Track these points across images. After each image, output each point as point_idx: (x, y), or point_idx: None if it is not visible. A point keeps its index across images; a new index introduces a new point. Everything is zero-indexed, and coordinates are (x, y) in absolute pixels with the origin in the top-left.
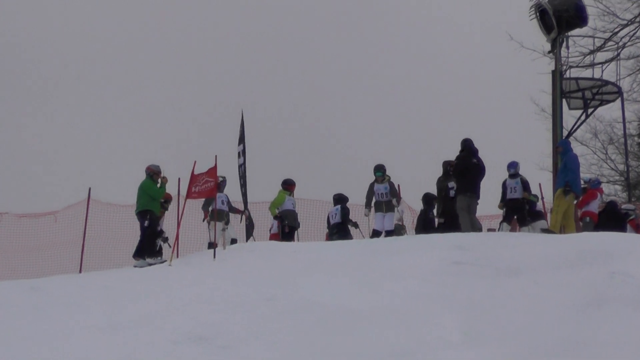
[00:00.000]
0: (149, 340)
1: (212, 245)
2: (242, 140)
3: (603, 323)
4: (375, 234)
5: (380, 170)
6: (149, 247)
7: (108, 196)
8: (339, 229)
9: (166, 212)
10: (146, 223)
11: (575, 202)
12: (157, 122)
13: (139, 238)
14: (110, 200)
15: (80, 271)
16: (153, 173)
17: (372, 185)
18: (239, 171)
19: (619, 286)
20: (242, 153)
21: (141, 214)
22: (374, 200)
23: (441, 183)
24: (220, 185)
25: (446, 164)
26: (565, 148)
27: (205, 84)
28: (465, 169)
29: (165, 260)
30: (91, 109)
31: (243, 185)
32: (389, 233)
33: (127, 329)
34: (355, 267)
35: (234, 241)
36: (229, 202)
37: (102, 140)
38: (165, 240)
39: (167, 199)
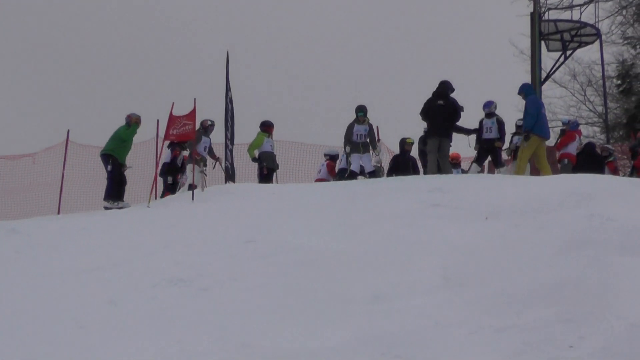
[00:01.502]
0: (127, 283)
1: (191, 187)
2: (229, 83)
3: (584, 265)
4: (352, 175)
5: (362, 110)
6: (115, 190)
7: (86, 138)
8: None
9: (183, 150)
10: (109, 167)
11: (550, 143)
12: (137, 64)
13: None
14: (89, 142)
15: (58, 213)
16: (132, 121)
17: (351, 125)
18: (227, 120)
19: (599, 228)
20: (231, 101)
21: (104, 156)
22: (351, 140)
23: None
24: (208, 129)
25: None
26: (526, 92)
27: (189, 27)
28: (428, 111)
29: (126, 206)
30: (69, 50)
31: (230, 133)
32: (371, 174)
33: (105, 272)
34: (335, 209)
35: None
36: (210, 149)
37: (81, 82)
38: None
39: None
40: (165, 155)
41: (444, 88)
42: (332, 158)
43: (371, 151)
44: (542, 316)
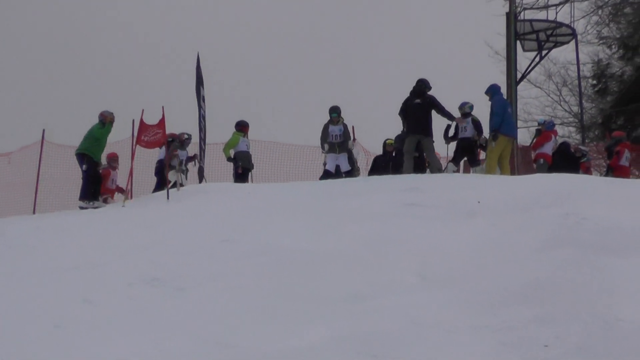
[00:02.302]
0: (103, 282)
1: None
2: (201, 83)
3: (560, 265)
4: (327, 174)
5: (335, 111)
6: (90, 190)
7: (62, 138)
8: None
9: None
10: (84, 167)
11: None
12: (112, 63)
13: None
14: (64, 142)
15: (34, 212)
16: (105, 119)
17: (326, 126)
18: (200, 120)
19: (574, 228)
20: (204, 100)
21: (79, 156)
22: (327, 140)
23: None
24: (184, 142)
25: None
26: (492, 92)
27: (163, 26)
28: (406, 109)
29: (102, 206)
30: (44, 49)
31: (203, 133)
32: (348, 174)
33: (81, 271)
34: (312, 209)
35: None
36: (186, 161)
37: (56, 82)
38: (194, 157)
39: (176, 138)
40: (161, 152)
41: (421, 86)
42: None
43: (349, 143)
44: (518, 315)
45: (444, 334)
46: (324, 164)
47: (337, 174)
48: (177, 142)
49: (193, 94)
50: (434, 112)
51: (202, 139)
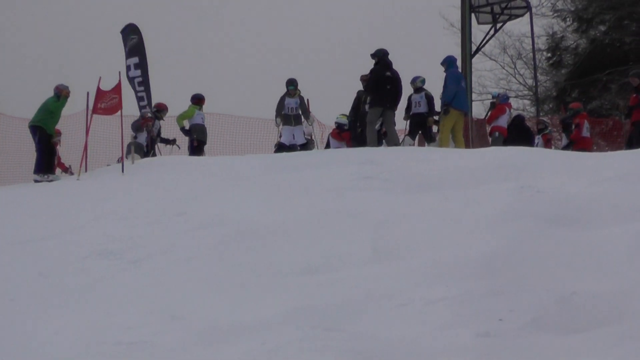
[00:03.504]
0: (58, 255)
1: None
2: (136, 53)
3: (514, 238)
4: (282, 147)
5: (292, 84)
6: (44, 163)
7: (15, 110)
8: None
9: (161, 121)
10: (37, 139)
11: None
12: (67, 33)
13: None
14: (18, 114)
15: None
16: (60, 92)
17: (282, 98)
18: (133, 84)
19: (529, 200)
20: (137, 66)
21: (32, 128)
22: (282, 113)
23: (358, 97)
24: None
25: (362, 79)
26: (448, 65)
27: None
28: (378, 81)
29: (56, 179)
30: None
31: (142, 99)
32: (303, 147)
33: (35, 244)
34: (266, 181)
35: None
36: (159, 131)
37: (8, 53)
38: (174, 142)
39: (161, 109)
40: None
41: (388, 58)
42: (339, 127)
43: (303, 123)
44: (472, 289)
45: (398, 307)
46: (279, 136)
47: (291, 147)
48: (156, 111)
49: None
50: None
51: (141, 99)
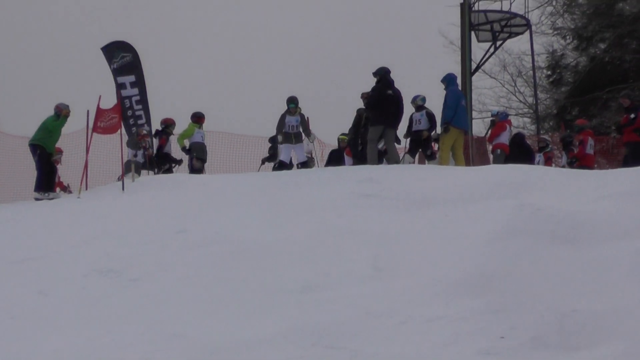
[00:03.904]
0: (58, 273)
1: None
2: (131, 71)
3: (514, 255)
4: (281, 165)
5: (293, 102)
6: (45, 181)
7: (16, 128)
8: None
9: (170, 136)
10: (36, 158)
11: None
12: (68, 53)
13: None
14: (18, 132)
15: None
16: (60, 111)
17: (283, 116)
18: (127, 103)
19: (529, 218)
20: (134, 84)
21: (32, 147)
22: (283, 130)
23: (359, 115)
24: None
25: (363, 96)
26: (448, 82)
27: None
28: (379, 100)
29: (57, 197)
30: None
31: (140, 117)
32: (303, 165)
33: (36, 262)
34: (266, 200)
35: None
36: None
37: (10, 72)
38: (180, 162)
39: (169, 124)
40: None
41: (390, 77)
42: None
43: (304, 140)
44: (473, 306)
45: (398, 325)
46: (268, 154)
47: (290, 164)
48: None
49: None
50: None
51: (137, 117)
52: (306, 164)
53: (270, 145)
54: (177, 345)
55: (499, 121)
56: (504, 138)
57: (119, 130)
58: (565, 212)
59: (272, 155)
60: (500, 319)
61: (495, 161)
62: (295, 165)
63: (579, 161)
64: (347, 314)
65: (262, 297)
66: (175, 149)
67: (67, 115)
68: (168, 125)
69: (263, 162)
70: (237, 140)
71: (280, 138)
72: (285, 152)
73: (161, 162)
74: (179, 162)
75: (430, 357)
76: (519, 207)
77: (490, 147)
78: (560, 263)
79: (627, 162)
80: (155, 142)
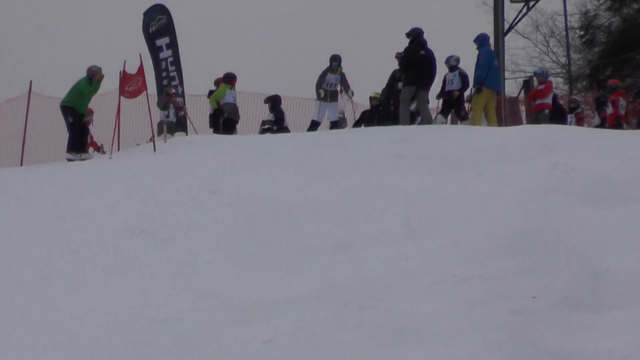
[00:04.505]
0: (91, 233)
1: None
2: (166, 33)
3: (547, 215)
4: (314, 124)
5: (336, 60)
6: (77, 142)
7: (49, 90)
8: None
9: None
10: (69, 119)
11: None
12: (99, 13)
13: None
14: (52, 94)
15: (21, 164)
16: (93, 74)
17: (324, 73)
18: (162, 65)
19: (562, 178)
20: (169, 46)
21: (63, 109)
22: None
23: (393, 75)
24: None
25: (397, 56)
26: (480, 43)
27: None
28: (412, 61)
29: (89, 157)
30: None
31: (172, 78)
32: (334, 124)
33: (68, 223)
34: (298, 160)
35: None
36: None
37: (44, 33)
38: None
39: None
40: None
41: (422, 37)
42: None
43: (339, 99)
44: (506, 266)
45: (431, 284)
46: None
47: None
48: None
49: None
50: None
51: (171, 78)
52: (337, 123)
53: (269, 105)
54: (210, 304)
55: (544, 80)
56: (550, 98)
57: (144, 92)
58: (599, 172)
59: (277, 120)
60: (533, 278)
61: (542, 121)
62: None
63: (610, 121)
64: (380, 273)
65: (294, 256)
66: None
67: (100, 80)
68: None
69: (263, 124)
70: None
71: (322, 93)
72: (320, 110)
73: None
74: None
75: (462, 316)
76: (552, 167)
77: (533, 106)
78: (593, 223)
79: None
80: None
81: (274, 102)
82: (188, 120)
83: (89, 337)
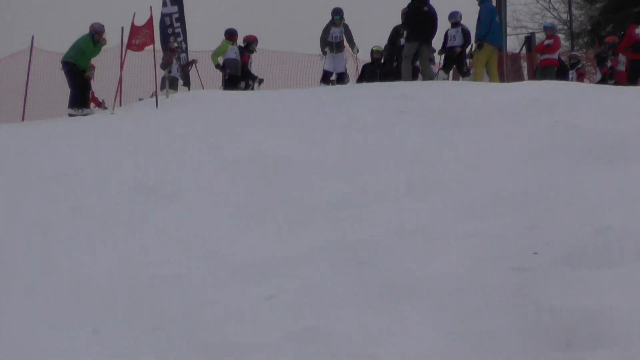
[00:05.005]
0: (92, 190)
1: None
2: None
3: (549, 172)
4: (326, 75)
5: (339, 14)
6: (79, 97)
7: (51, 45)
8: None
9: (252, 54)
10: (68, 74)
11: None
12: None
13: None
14: (54, 49)
15: (22, 119)
16: (95, 32)
17: (328, 27)
18: (167, 21)
19: (564, 135)
20: (174, 2)
21: (64, 64)
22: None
23: (395, 31)
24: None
25: (403, 12)
26: None
27: None
28: (415, 16)
29: (90, 113)
30: None
31: (178, 34)
32: (339, 76)
33: (70, 178)
34: (300, 117)
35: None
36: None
37: None
38: (260, 81)
39: (250, 41)
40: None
41: None
42: None
43: (343, 52)
44: (507, 223)
45: (432, 242)
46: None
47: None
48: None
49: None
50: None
51: (176, 35)
52: (343, 75)
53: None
54: (212, 261)
55: (553, 35)
56: (557, 54)
57: (151, 45)
58: (601, 129)
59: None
60: (535, 235)
61: (549, 78)
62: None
63: (612, 77)
64: (382, 231)
65: (296, 214)
66: (255, 67)
67: (103, 44)
68: (250, 42)
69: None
70: (271, 57)
71: (327, 50)
72: (329, 61)
73: (244, 79)
74: (261, 80)
75: (464, 273)
76: (554, 124)
77: (541, 60)
78: (595, 180)
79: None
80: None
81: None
82: (197, 72)
83: (89, 292)
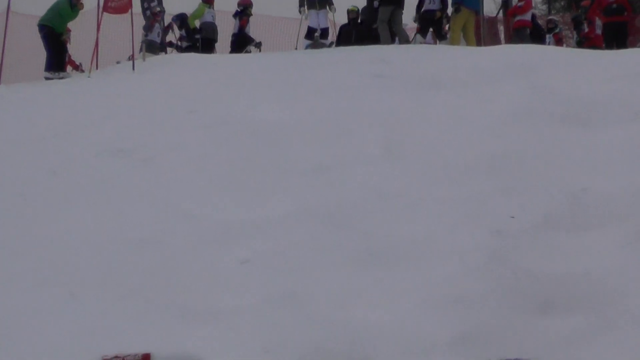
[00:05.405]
0: (69, 153)
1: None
2: None
3: (526, 136)
4: (310, 31)
5: None
6: (55, 61)
7: (28, 8)
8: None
9: (250, 17)
10: (45, 38)
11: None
12: None
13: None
14: (31, 12)
15: None
16: (76, 4)
17: None
18: None
19: (541, 99)
20: None
21: (40, 27)
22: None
23: None
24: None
25: None
26: None
27: None
28: None
29: (67, 76)
30: None
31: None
32: (324, 31)
33: (47, 142)
34: (277, 81)
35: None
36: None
37: None
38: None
39: (247, 5)
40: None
41: None
42: None
43: (327, 8)
44: (484, 187)
45: (409, 205)
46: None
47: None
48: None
49: None
50: None
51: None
52: (327, 30)
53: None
54: (188, 224)
55: None
56: (529, 16)
57: (129, 10)
58: (577, 93)
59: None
60: (512, 199)
61: (524, 40)
62: (318, 31)
63: (588, 41)
64: (359, 195)
65: (273, 177)
66: (253, 31)
67: (81, 7)
68: (247, 6)
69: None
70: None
71: (303, 10)
72: (313, 18)
73: (242, 44)
74: (259, 44)
75: (441, 237)
76: (531, 89)
77: (513, 22)
78: (572, 144)
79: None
80: (236, 23)
81: (182, 20)
82: (174, 36)
83: (66, 255)
